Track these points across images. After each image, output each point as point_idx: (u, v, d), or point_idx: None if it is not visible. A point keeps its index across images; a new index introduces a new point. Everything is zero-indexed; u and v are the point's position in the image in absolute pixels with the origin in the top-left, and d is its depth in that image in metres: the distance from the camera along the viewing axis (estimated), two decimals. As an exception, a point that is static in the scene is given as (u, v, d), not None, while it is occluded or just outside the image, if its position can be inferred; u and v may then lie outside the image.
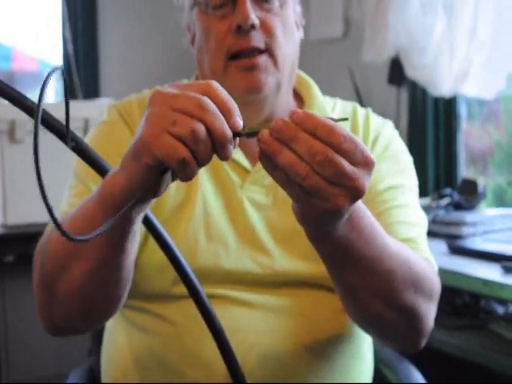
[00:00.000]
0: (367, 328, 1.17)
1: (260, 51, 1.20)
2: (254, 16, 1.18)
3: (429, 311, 1.13)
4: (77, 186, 1.23)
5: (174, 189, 1.24)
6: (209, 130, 0.77)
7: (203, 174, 1.25)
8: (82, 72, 4.03)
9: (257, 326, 1.20)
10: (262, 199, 1.25)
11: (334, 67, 3.70)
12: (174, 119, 0.77)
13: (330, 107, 1.36)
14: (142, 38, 4.30)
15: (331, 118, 0.79)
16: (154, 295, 1.23)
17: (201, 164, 0.79)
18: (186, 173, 0.78)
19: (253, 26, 1.18)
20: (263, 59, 1.20)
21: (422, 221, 1.27)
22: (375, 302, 1.05)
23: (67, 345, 2.92)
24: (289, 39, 1.24)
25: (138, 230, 0.96)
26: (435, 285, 1.15)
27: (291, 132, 0.77)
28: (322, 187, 0.78)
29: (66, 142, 0.85)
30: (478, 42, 2.85)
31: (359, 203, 0.90)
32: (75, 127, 2.71)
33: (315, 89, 1.36)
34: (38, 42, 5.04)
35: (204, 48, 1.24)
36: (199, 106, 0.77)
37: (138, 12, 4.29)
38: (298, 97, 1.36)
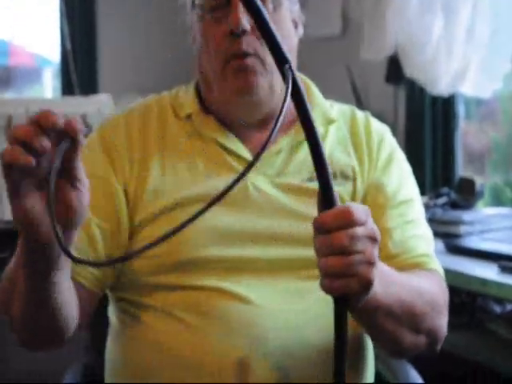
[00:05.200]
0: (390, 351, 1.25)
1: (250, 54, 1.23)
2: (245, 21, 1.20)
3: (444, 322, 1.23)
4: None
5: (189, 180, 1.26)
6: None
7: (210, 166, 1.27)
8: (80, 68, 4.02)
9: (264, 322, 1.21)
10: (266, 187, 1.27)
11: (331, 65, 3.70)
12: None
13: (329, 106, 1.37)
14: (141, 35, 4.30)
15: None
16: (161, 284, 1.24)
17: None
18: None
19: (244, 31, 1.21)
20: (251, 60, 1.23)
21: (429, 233, 1.34)
22: (402, 333, 1.14)
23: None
24: (282, 40, 1.26)
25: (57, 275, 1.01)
26: (446, 297, 1.25)
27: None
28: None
29: None
30: (476, 41, 2.85)
31: None
32: (73, 123, 2.69)
33: (313, 87, 1.38)
34: (36, 38, 5.03)
35: (204, 50, 1.27)
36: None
37: (136, 8, 4.29)
38: None
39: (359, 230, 0.89)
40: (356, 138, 1.34)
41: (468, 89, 2.93)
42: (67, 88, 4.05)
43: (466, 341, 2.23)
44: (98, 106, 2.82)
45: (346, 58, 3.58)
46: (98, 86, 4.17)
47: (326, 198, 0.88)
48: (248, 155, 1.28)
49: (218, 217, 1.24)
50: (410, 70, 3.08)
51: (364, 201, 1.30)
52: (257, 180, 1.27)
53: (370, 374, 1.31)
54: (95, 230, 1.22)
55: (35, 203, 0.90)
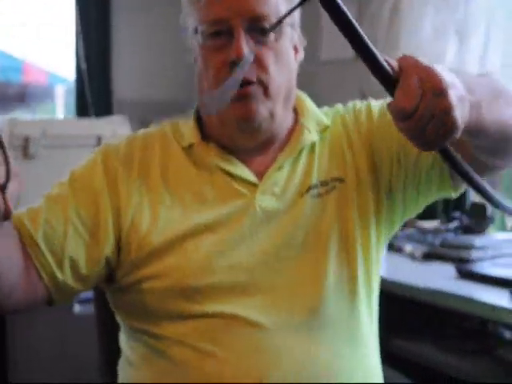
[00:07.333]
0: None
1: (252, 82, 1.24)
2: (247, 51, 1.22)
3: None
4: None
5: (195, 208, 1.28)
6: None
7: (217, 194, 1.29)
8: (95, 89, 4.04)
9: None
10: (273, 206, 1.28)
11: (345, 88, 3.71)
12: None
13: (323, 114, 1.40)
14: (156, 56, 4.32)
15: None
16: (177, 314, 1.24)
17: None
18: None
19: None
20: (253, 88, 1.24)
21: None
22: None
23: (73, 351, 2.90)
24: (283, 69, 1.28)
25: None
26: None
27: None
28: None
29: None
30: (488, 67, 2.87)
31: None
32: (87, 144, 2.73)
33: (308, 101, 1.40)
34: (50, 56, 5.07)
35: (203, 76, 1.29)
36: None
37: (151, 29, 4.31)
38: (295, 110, 1.40)
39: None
40: (347, 130, 1.37)
41: (480, 114, 2.94)
42: (81, 108, 4.07)
43: (476, 367, 2.23)
44: (112, 128, 2.85)
45: (359, 81, 3.59)
46: (112, 106, 4.20)
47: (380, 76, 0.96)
48: (254, 178, 1.30)
49: (226, 243, 1.25)
50: (423, 95, 3.10)
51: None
52: (264, 200, 1.28)
53: None
54: (70, 230, 1.24)
55: None
